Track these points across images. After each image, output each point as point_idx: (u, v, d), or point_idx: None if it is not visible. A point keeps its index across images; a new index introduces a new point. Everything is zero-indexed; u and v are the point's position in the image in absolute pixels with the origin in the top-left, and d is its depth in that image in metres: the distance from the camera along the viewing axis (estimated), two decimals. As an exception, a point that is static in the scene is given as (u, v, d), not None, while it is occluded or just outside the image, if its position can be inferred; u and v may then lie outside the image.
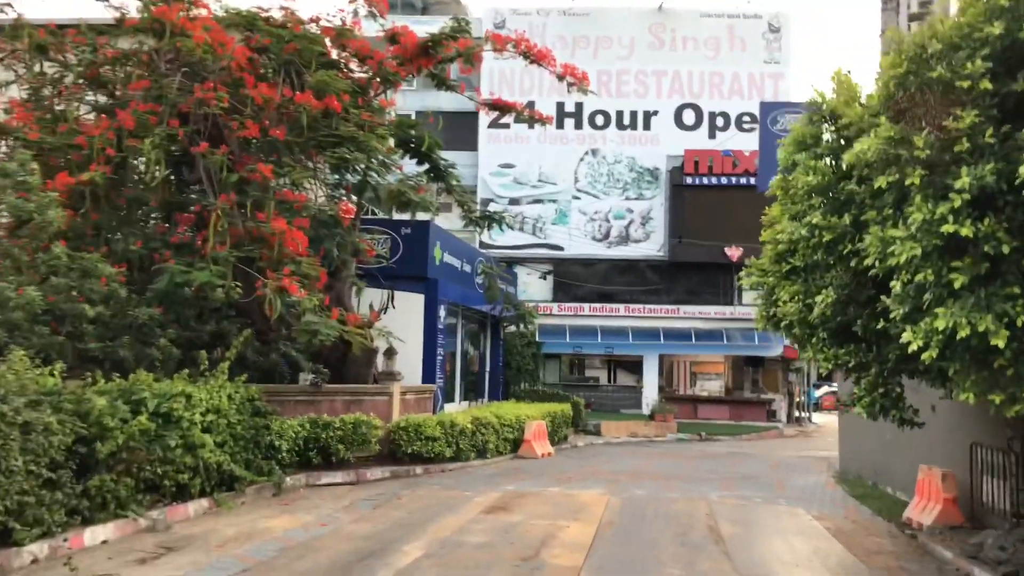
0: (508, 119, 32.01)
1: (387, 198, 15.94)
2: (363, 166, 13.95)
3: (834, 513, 13.11)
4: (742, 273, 11.36)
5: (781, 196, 9.96)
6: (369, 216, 20.16)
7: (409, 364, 19.58)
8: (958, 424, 12.27)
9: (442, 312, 20.36)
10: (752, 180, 30.82)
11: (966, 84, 6.10)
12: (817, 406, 43.96)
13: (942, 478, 11.70)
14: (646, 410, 30.77)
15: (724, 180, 30.98)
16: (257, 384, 14.12)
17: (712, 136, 32.13)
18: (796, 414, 36.08)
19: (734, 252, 30.70)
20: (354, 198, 16.85)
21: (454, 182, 19.08)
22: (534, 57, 17.49)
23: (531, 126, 31.49)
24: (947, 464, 12.24)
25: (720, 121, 32.37)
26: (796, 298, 8.90)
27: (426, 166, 18.81)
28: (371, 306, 17.79)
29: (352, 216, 16.03)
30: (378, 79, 16.08)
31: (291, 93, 13.65)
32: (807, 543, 10.63)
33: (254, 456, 12.65)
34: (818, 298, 8.21)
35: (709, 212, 30.79)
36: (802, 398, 38.23)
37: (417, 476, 16.00)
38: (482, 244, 29.56)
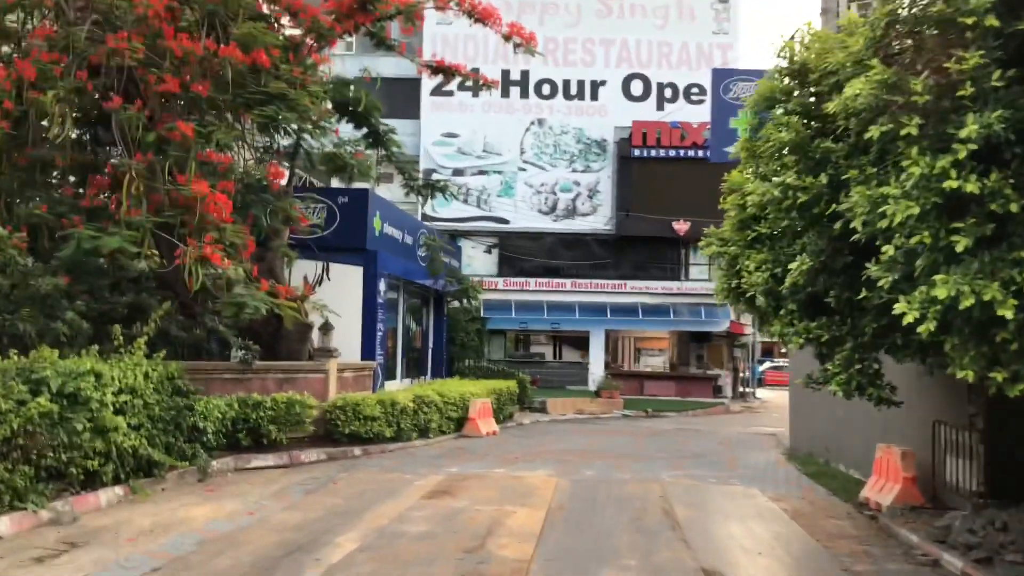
0: (452, 86, 31.02)
1: (322, 162, 14.89)
2: (295, 127, 12.86)
3: (790, 493, 12.65)
4: (701, 242, 10.71)
5: (746, 159, 9.30)
6: (304, 184, 19.08)
7: (347, 340, 18.63)
8: (916, 402, 11.86)
9: (382, 286, 19.41)
10: (701, 153, 30.40)
11: (970, 20, 5.44)
12: (760, 381, 44.17)
13: (902, 457, 11.28)
14: (592, 387, 30.29)
15: (672, 153, 30.45)
16: (181, 361, 13.08)
17: (660, 108, 31.55)
18: (741, 389, 36.07)
19: (682, 226, 30.27)
20: (285, 163, 15.75)
21: (394, 148, 18.11)
22: (478, 15, 16.56)
23: (476, 93, 30.66)
24: (904, 442, 11.85)
25: (668, 92, 31.80)
26: (763, 267, 8.23)
27: (364, 130, 17.79)
28: (305, 278, 16.76)
29: (283, 181, 14.94)
30: (312, 35, 14.96)
31: (215, 46, 12.50)
32: (766, 527, 10.10)
33: (175, 439, 11.62)
34: (792, 266, 7.52)
35: (657, 185, 30.24)
36: (746, 374, 38.29)
37: (355, 458, 15.14)
38: (424, 216, 28.57)
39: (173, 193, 11.37)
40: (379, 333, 19.29)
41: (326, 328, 16.48)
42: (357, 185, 18.70)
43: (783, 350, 66.91)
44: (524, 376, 26.22)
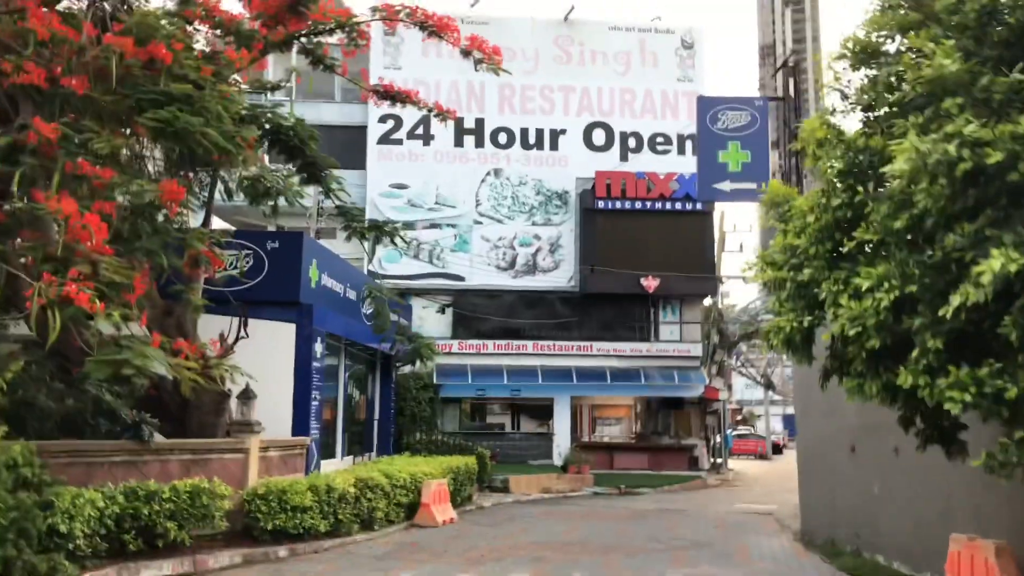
0: (401, 133, 28.72)
1: (240, 188, 12.12)
2: (199, 134, 10.05)
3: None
4: (745, 267, 8.10)
5: (825, 136, 6.68)
6: (224, 226, 16.19)
7: (275, 412, 15.51)
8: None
9: (319, 347, 16.45)
10: (670, 205, 28.31)
11: None
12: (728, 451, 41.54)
13: (996, 554, 8.61)
14: (558, 460, 27.32)
15: (639, 205, 28.27)
16: (46, 441, 9.97)
17: (624, 158, 29.49)
18: (714, 460, 33.40)
19: (651, 283, 27.92)
20: (195, 198, 12.92)
21: (334, 185, 15.36)
22: (433, 26, 14.13)
23: (427, 142, 28.33)
24: (990, 531, 9.21)
25: (632, 142, 29.80)
26: (883, 288, 5.56)
27: (299, 162, 15.06)
28: (221, 336, 13.76)
29: (193, 217, 12.08)
30: (231, 38, 12.33)
31: (97, 31, 9.76)
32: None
33: (17, 551, 8.42)
34: (981, 271, 4.77)
35: (623, 240, 27.95)
36: (718, 443, 35.66)
37: (280, 561, 11.99)
38: (371, 274, 25.73)
39: (23, 213, 8.44)
40: (314, 403, 16.23)
41: (246, 396, 13.42)
42: (290, 228, 15.88)
43: (739, 417, 64.55)
44: (483, 451, 23.20)
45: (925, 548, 10.82)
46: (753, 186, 15.82)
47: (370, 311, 17.38)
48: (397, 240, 15.87)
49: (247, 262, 15.90)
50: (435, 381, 26.96)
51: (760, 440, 52.82)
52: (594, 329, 28.99)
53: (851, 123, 7.12)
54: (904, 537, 11.44)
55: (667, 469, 28.28)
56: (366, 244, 16.14)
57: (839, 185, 6.40)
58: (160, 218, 10.85)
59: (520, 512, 19.47)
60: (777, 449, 54.90)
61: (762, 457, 50.75)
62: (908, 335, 5.60)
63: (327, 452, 18.53)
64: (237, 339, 13.70)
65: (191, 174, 12.15)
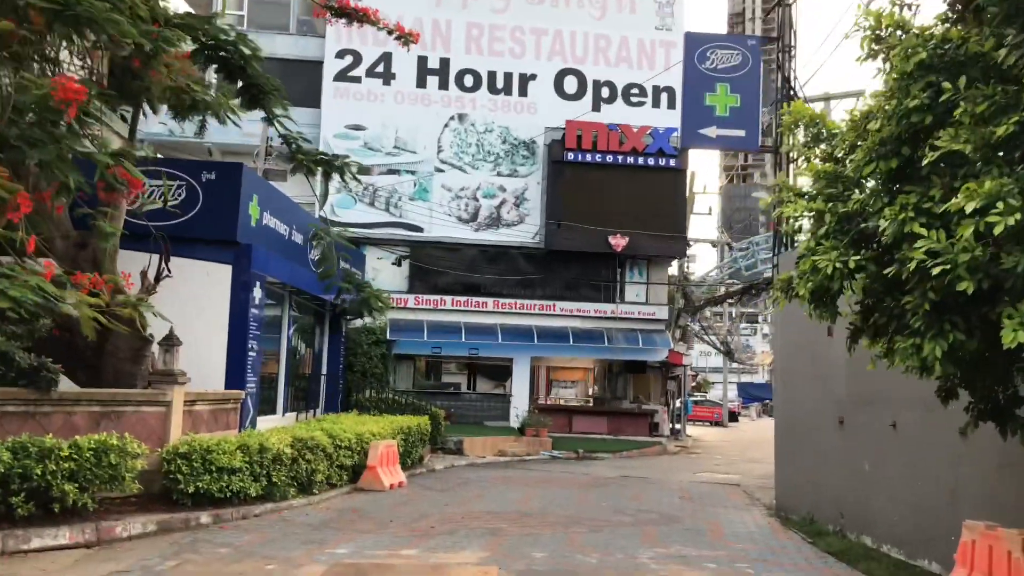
0: (359, 71, 26.91)
1: (161, 97, 10.43)
2: (106, 36, 8.31)
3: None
4: (765, 201, 6.72)
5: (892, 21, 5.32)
6: (154, 155, 14.44)
7: (207, 363, 14.02)
8: (1004, 451, 8.15)
9: (258, 292, 14.87)
10: (642, 160, 26.95)
11: None
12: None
13: (1023, 547, 7.50)
14: (515, 423, 26.14)
15: (610, 158, 26.79)
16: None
17: (596, 108, 27.91)
18: (673, 426, 32.56)
19: (619, 242, 26.63)
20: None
21: (279, 110, 13.68)
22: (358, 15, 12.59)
23: (387, 81, 26.58)
24: (993, 516, 8.10)
25: (605, 91, 28.20)
26: (1000, 208, 4.15)
27: (240, 83, 13.34)
28: (143, 274, 12.15)
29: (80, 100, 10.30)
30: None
31: None
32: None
33: None
34: None
35: (592, 195, 26.53)
36: (677, 409, 34.83)
37: (201, 528, 10.56)
38: (323, 220, 23.99)
39: None
40: (251, 354, 14.69)
41: (170, 343, 11.84)
42: (225, 158, 14.19)
43: (693, 383, 64.34)
44: (437, 410, 21.89)
45: (924, 534, 9.77)
46: (741, 133, 14.64)
47: (318, 257, 15.80)
48: (348, 178, 14.24)
49: (179, 194, 14.26)
50: (388, 337, 25.49)
51: (716, 407, 52.39)
52: (558, 288, 27.67)
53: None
54: (898, 520, 10.38)
55: (626, 434, 27.31)
56: (315, 182, 14.51)
57: (914, 83, 5.03)
58: (63, 128, 9.13)
59: (474, 476, 18.24)
60: (733, 417, 54.66)
61: (718, 424, 50.39)
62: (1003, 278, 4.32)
63: (267, 408, 17.04)
64: (159, 277, 12.09)
65: (104, 80, 10.36)
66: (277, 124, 13.87)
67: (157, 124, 26.61)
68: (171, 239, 13.98)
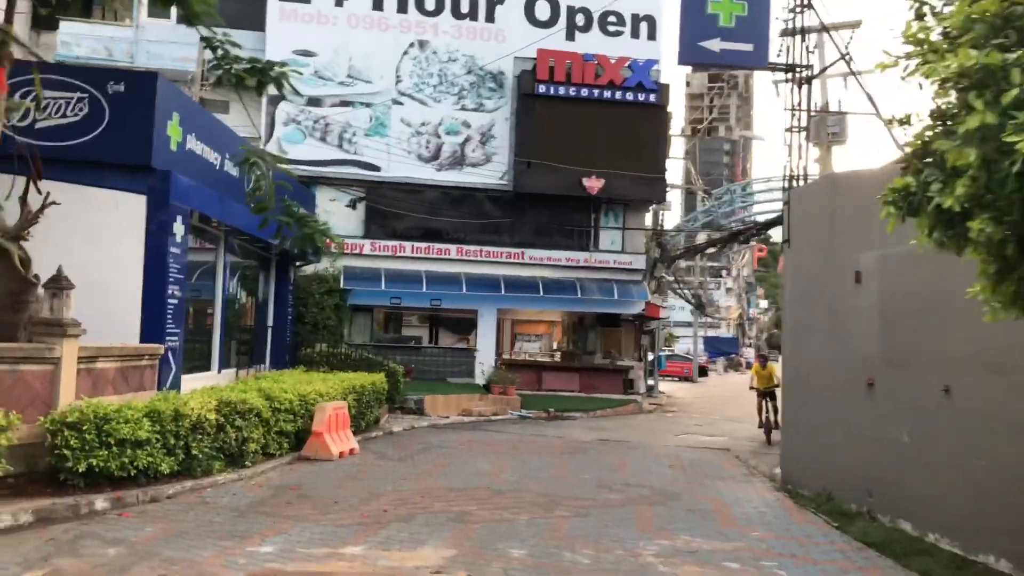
0: (309, -10, 24.16)
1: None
2: None
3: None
4: (889, 60, 4.61)
5: None
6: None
7: (118, 312, 11.79)
8: None
9: (180, 228, 12.54)
10: (619, 95, 24.74)
11: None
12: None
13: None
14: (480, 379, 24.21)
15: (585, 92, 24.54)
16: None
17: (570, 37, 25.50)
18: (648, 383, 30.87)
19: (594, 184, 24.52)
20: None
21: (199, 7, 11.19)
22: None
23: (339, 2, 23.87)
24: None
25: (580, 19, 25.75)
26: None
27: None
28: (23, 200, 9.79)
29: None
30: None
31: None
32: None
33: None
34: None
35: (565, 132, 24.32)
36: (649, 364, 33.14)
37: (95, 517, 8.43)
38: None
39: None
40: (172, 301, 12.41)
41: (58, 285, 9.52)
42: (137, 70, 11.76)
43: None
44: (396, 366, 19.80)
45: (987, 524, 7.99)
46: (748, 48, 12.55)
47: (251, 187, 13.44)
48: (288, 93, 11.88)
49: (79, 108, 11.82)
50: (343, 286, 23.26)
51: (686, 362, 51.05)
52: (527, 234, 25.56)
53: None
54: (951, 506, 8.58)
55: (600, 392, 25.51)
56: (255, 111, 12.12)
57: None
58: None
59: (436, 440, 16.27)
60: (702, 372, 53.43)
61: (687, 379, 49.06)
62: None
63: (198, 365, 14.86)
64: (44, 206, 9.72)
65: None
66: (197, 25, 11.41)
67: (85, 47, 23.83)
68: (71, 163, 11.71)
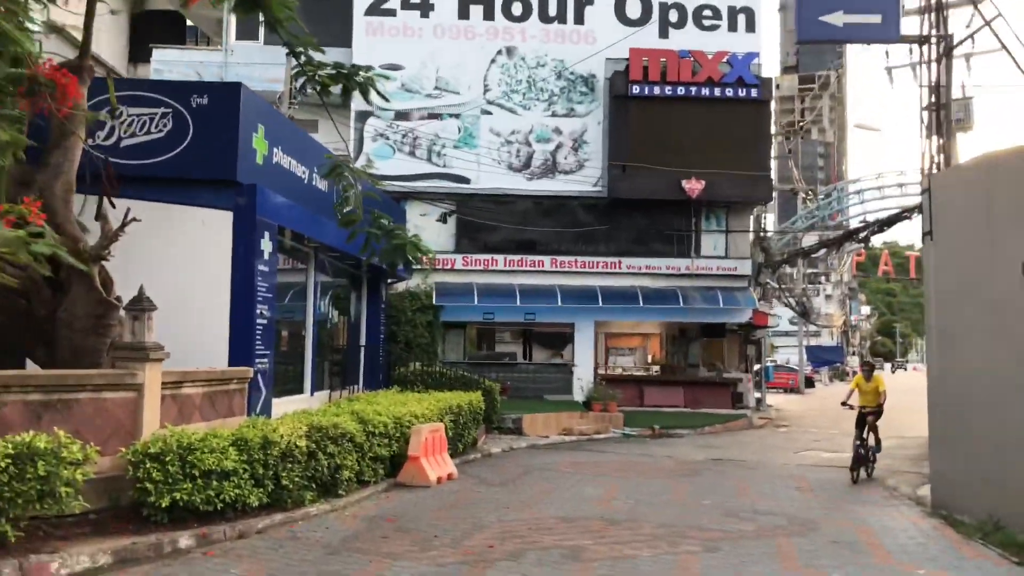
0: (393, 3, 23.84)
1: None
2: None
3: None
4: None
5: None
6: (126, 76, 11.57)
7: (204, 334, 11.30)
8: None
9: (268, 244, 12.00)
10: (718, 91, 23.45)
11: None
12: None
13: None
14: (579, 396, 23.17)
15: (682, 91, 23.36)
16: None
17: (664, 35, 24.37)
18: (757, 396, 29.19)
19: (694, 186, 23.25)
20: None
21: (279, 12, 10.62)
22: None
23: (425, 13, 23.37)
24: None
25: (674, 15, 24.60)
26: None
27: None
28: (101, 218, 9.34)
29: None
30: None
31: None
32: None
33: None
34: None
35: (661, 134, 23.19)
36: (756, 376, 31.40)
37: (180, 556, 7.78)
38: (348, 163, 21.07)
39: None
40: (261, 321, 11.86)
41: (139, 307, 8.99)
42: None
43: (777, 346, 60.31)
44: (492, 384, 18.96)
45: None
46: (876, 19, 11.23)
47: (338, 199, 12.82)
48: (373, 96, 11.18)
49: (163, 124, 11.42)
50: (435, 302, 22.63)
51: (792, 373, 48.65)
52: (623, 242, 24.43)
53: None
54: None
55: (706, 407, 24.14)
56: (343, 129, 11.52)
57: None
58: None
59: (538, 462, 15.29)
60: (808, 383, 50.88)
61: (794, 391, 46.71)
62: None
63: (290, 388, 14.33)
64: (125, 223, 9.23)
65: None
66: (283, 31, 10.85)
67: (176, 72, 24.04)
68: (157, 180, 11.33)
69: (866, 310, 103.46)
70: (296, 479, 9.59)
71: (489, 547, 8.39)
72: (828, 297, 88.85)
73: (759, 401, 28.87)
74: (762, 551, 8.50)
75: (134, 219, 9.24)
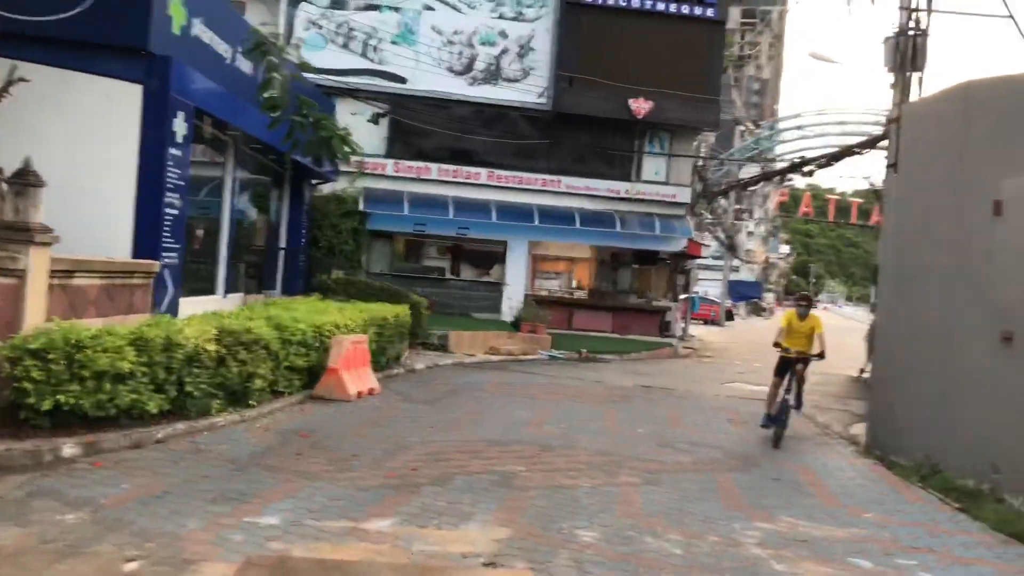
0: None
1: None
2: None
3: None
4: None
5: None
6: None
7: (106, 221, 10.10)
8: None
9: (181, 125, 10.72)
10: (673, 7, 22.43)
11: None
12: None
13: None
14: (508, 316, 22.56)
15: (636, 3, 22.27)
16: None
17: (622, -57, 23.12)
18: (683, 326, 29.11)
19: (641, 105, 22.39)
20: None
21: None
22: None
23: None
24: None
25: (634, -79, 23.33)
26: None
27: None
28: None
29: None
30: None
31: None
32: None
33: None
34: None
35: (613, 47, 22.12)
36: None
37: (62, 467, 6.87)
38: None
39: None
40: (171, 212, 10.67)
41: (22, 181, 7.75)
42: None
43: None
44: (420, 299, 18.12)
45: None
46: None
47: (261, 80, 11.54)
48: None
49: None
50: (362, 208, 21.47)
51: (714, 305, 49.20)
52: (564, 160, 23.54)
53: None
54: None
55: (633, 333, 23.83)
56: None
57: None
58: None
59: (464, 381, 14.66)
60: (729, 316, 51.64)
61: (714, 323, 47.29)
62: None
63: (201, 287, 13.20)
64: (11, 82, 7.92)
65: None
66: None
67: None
68: (55, 41, 9.90)
69: (785, 249, 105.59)
70: (202, 386, 8.69)
71: (413, 470, 7.70)
72: (750, 234, 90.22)
73: (683, 331, 28.81)
74: (703, 487, 8.04)
75: (21, 79, 7.94)
